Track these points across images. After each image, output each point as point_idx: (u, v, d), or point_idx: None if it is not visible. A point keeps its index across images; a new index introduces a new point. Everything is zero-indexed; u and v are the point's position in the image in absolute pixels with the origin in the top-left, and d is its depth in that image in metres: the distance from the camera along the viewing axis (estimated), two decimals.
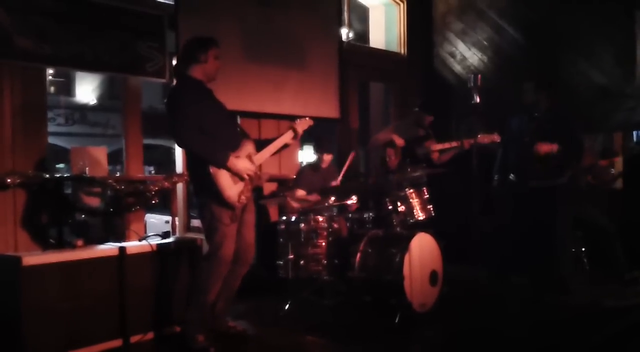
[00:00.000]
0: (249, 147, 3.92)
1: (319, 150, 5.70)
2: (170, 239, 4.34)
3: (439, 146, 5.81)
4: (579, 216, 5.47)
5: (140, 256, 4.05)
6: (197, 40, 3.97)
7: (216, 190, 3.67)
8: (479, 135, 5.55)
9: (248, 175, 3.80)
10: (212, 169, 3.67)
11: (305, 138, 5.06)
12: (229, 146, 3.80)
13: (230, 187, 3.72)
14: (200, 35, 4.04)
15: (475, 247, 6.09)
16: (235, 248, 3.86)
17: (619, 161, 7.64)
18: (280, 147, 4.17)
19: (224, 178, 3.70)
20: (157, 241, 4.22)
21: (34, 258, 3.55)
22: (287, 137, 4.18)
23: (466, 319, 4.57)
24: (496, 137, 5.55)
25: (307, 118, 4.41)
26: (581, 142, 5.42)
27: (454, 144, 5.72)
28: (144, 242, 4.15)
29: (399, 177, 5.09)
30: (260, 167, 5.84)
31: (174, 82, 3.99)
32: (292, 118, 6.88)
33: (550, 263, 5.25)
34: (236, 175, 3.75)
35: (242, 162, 3.79)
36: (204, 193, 3.82)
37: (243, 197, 3.77)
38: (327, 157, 5.74)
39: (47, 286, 3.57)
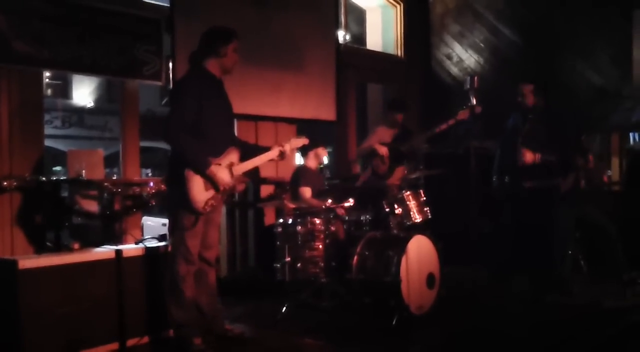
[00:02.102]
0: (232, 156, 3.84)
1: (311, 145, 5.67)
2: (167, 242, 4.33)
3: (423, 137, 5.78)
4: (579, 217, 5.46)
5: (136, 259, 4.04)
6: (218, 31, 3.86)
7: (185, 192, 3.61)
8: (459, 112, 5.53)
9: (223, 188, 3.74)
10: (187, 172, 3.62)
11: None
12: (216, 150, 3.75)
13: (200, 193, 3.65)
14: (221, 26, 3.93)
15: (473, 249, 6.09)
16: (199, 247, 3.83)
17: (614, 163, 7.66)
18: (265, 161, 4.12)
19: (196, 183, 3.64)
20: (154, 244, 4.21)
21: (30, 261, 3.54)
22: (272, 154, 4.08)
23: (464, 320, 4.57)
24: (478, 109, 5.52)
25: (303, 137, 4.38)
26: (574, 144, 5.42)
27: (437, 130, 5.69)
28: (140, 245, 4.14)
29: (393, 181, 5.09)
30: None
31: (187, 71, 3.90)
32: (289, 120, 6.96)
33: (550, 264, 5.25)
34: (211, 183, 3.69)
35: (221, 172, 3.71)
36: (173, 192, 3.80)
37: (209, 205, 3.70)
38: (323, 152, 5.73)
39: (43, 290, 3.56)
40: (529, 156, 5.13)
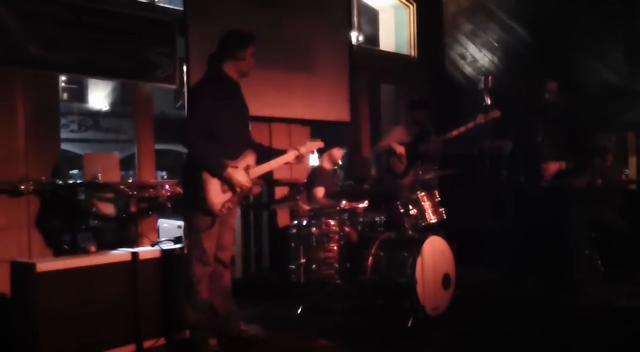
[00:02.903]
0: (249, 158, 3.85)
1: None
2: (182, 244, 4.35)
3: (440, 141, 5.73)
4: (594, 217, 5.42)
5: (152, 262, 4.06)
6: (237, 35, 3.85)
7: (202, 195, 3.63)
8: (477, 116, 5.47)
9: (240, 189, 3.75)
10: (204, 174, 3.63)
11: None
12: (232, 153, 3.76)
13: (217, 195, 3.67)
14: (240, 28, 3.91)
15: (487, 249, 6.06)
16: (214, 248, 3.85)
17: (632, 162, 7.58)
18: (281, 164, 4.13)
19: (213, 185, 3.65)
20: (170, 246, 4.23)
21: (48, 264, 3.57)
22: (289, 157, 4.08)
23: (479, 321, 4.54)
24: (496, 113, 5.46)
25: (318, 140, 4.38)
26: (591, 144, 5.38)
27: (454, 132, 5.64)
28: (156, 248, 4.16)
29: (408, 181, 5.06)
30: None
31: (204, 73, 3.91)
32: (303, 122, 6.97)
33: (564, 264, 5.22)
34: (229, 186, 3.71)
35: (238, 174, 3.72)
36: (189, 195, 3.81)
37: (226, 207, 3.71)
38: (338, 153, 5.73)
39: (60, 292, 3.58)
40: (552, 167, 5.11)
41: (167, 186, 5.51)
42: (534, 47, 7.87)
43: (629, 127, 7.41)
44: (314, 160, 6.93)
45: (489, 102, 5.46)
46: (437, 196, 5.07)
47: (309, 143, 4.29)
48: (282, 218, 6.37)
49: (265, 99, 6.32)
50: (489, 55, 8.37)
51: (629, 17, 7.06)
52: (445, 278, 4.62)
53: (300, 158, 4.12)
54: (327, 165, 5.76)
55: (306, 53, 6.88)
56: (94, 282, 3.75)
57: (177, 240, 4.37)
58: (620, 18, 7.13)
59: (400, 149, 5.67)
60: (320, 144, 4.40)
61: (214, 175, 3.65)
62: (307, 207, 5.05)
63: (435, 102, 8.54)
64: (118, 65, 5.59)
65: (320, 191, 5.48)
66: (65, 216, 5.07)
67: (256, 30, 4.06)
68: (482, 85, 5.61)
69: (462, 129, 5.58)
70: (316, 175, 5.71)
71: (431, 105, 6.00)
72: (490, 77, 5.63)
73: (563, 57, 7.51)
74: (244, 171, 3.78)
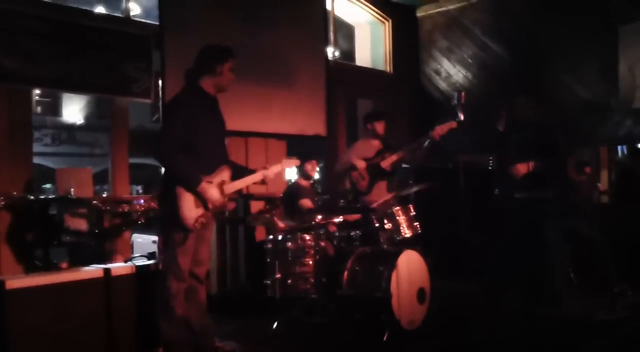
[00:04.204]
0: (224, 174, 3.84)
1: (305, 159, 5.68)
2: (157, 260, 4.31)
3: (394, 157, 5.55)
4: (570, 230, 5.48)
5: (126, 278, 4.01)
6: (215, 50, 3.85)
7: (176, 210, 3.61)
8: (436, 128, 5.30)
9: (213, 206, 3.74)
10: (178, 189, 3.62)
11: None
12: (208, 168, 3.74)
13: (190, 210, 3.65)
14: (218, 44, 3.91)
15: (465, 262, 6.10)
16: (190, 264, 3.82)
17: (604, 175, 7.70)
18: (251, 183, 4.14)
19: (187, 200, 3.64)
20: (143, 261, 4.19)
21: (18, 281, 3.51)
22: (257, 177, 4.08)
23: (455, 334, 4.55)
24: (453, 124, 5.36)
25: (294, 158, 4.39)
26: (563, 155, 5.45)
27: (412, 146, 5.50)
28: (129, 264, 4.12)
29: (372, 198, 5.11)
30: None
31: (182, 88, 3.90)
32: (279, 136, 6.98)
33: (542, 277, 5.26)
34: (201, 201, 3.69)
35: (212, 190, 3.70)
36: (164, 210, 3.80)
37: (199, 222, 3.69)
38: (311, 166, 5.74)
39: (32, 310, 3.52)
40: (521, 168, 5.16)
41: (141, 201, 5.46)
42: (509, 63, 7.99)
43: (601, 142, 7.54)
44: (292, 174, 6.93)
45: (462, 117, 5.51)
46: (412, 210, 5.10)
47: (284, 161, 4.30)
48: (259, 232, 6.34)
49: (242, 114, 6.31)
50: (463, 71, 8.48)
51: (602, 34, 7.22)
52: (420, 292, 4.64)
53: (265, 181, 4.12)
54: (303, 179, 5.78)
55: (283, 68, 6.91)
56: (66, 300, 3.69)
57: (151, 255, 4.33)
58: (594, 34, 7.28)
59: (361, 164, 5.60)
60: (296, 162, 4.41)
61: (188, 189, 3.63)
62: (282, 225, 5.03)
63: (410, 116, 8.64)
64: (94, 80, 5.56)
65: (307, 203, 5.52)
66: (37, 232, 4.99)
67: (233, 44, 4.07)
68: (455, 101, 5.65)
69: (423, 139, 5.46)
70: (296, 190, 5.72)
71: (384, 117, 5.84)
72: (463, 93, 5.68)
73: (537, 73, 7.64)
74: (218, 187, 3.77)
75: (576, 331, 4.55)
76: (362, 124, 6.19)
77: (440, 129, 5.28)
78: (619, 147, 8.14)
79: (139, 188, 14.93)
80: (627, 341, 4.32)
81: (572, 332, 4.53)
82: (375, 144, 5.75)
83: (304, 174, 5.77)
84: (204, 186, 3.65)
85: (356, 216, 5.40)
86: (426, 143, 5.38)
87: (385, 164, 5.55)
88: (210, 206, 3.71)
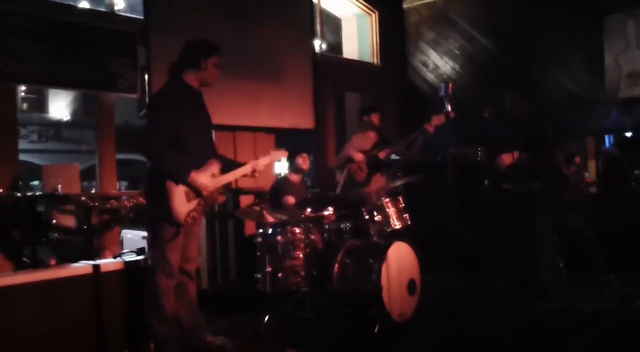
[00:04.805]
0: (214, 168, 3.83)
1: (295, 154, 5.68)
2: (146, 256, 4.28)
3: (400, 144, 5.69)
4: (558, 222, 5.51)
5: (115, 274, 3.99)
6: (199, 44, 3.82)
7: (167, 205, 3.60)
8: (432, 118, 5.37)
9: (206, 192, 3.71)
10: (169, 184, 3.60)
11: None
12: (196, 162, 3.73)
13: (182, 204, 3.63)
14: (204, 38, 3.87)
15: (455, 255, 6.12)
16: (179, 260, 3.81)
17: (591, 166, 7.76)
18: (240, 176, 4.11)
19: (178, 194, 3.62)
20: (133, 257, 4.16)
21: (5, 279, 3.49)
22: (247, 169, 4.06)
23: (446, 327, 4.57)
24: (451, 114, 5.41)
25: (282, 149, 4.37)
26: (550, 148, 5.48)
27: (409, 139, 5.58)
28: (118, 260, 4.09)
29: (370, 190, 5.09)
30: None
31: (166, 82, 3.87)
32: (268, 130, 6.96)
33: (531, 269, 5.28)
34: (194, 191, 3.67)
35: (202, 178, 3.69)
36: (153, 205, 3.78)
37: (191, 216, 3.68)
38: (302, 160, 5.73)
39: (20, 308, 3.49)
40: (506, 158, 5.17)
41: (129, 197, 5.43)
42: (496, 55, 8.03)
43: (588, 133, 7.59)
44: (283, 167, 6.91)
45: (449, 108, 5.51)
46: (402, 202, 5.10)
47: (273, 152, 4.28)
48: (249, 227, 6.33)
49: (230, 108, 6.29)
50: (451, 63, 8.49)
51: (588, 27, 7.26)
52: (411, 284, 4.65)
53: (255, 173, 4.09)
54: (293, 173, 5.76)
55: (271, 62, 6.89)
56: (55, 297, 3.66)
57: (140, 251, 4.30)
58: (580, 28, 7.32)
59: (359, 157, 5.67)
60: (284, 153, 4.40)
61: (177, 182, 3.61)
62: (271, 219, 5.02)
63: (399, 108, 8.65)
64: (80, 76, 5.53)
65: (290, 200, 5.48)
66: (24, 229, 4.95)
67: (220, 39, 4.04)
68: (442, 93, 5.65)
69: (417, 133, 5.51)
70: (282, 185, 5.70)
71: (379, 109, 5.97)
72: (450, 85, 5.69)
73: (525, 66, 7.67)
74: (209, 175, 3.76)
75: (566, 322, 4.57)
76: (356, 118, 6.26)
77: (438, 119, 5.35)
78: (606, 138, 8.21)
79: (126, 183, 14.86)
80: (615, 331, 4.35)
81: (562, 323, 4.55)
82: (372, 136, 5.84)
83: (295, 168, 5.75)
84: (193, 175, 3.64)
85: (328, 211, 5.34)
86: (420, 138, 5.46)
87: (383, 155, 5.66)
88: (204, 193, 3.69)
